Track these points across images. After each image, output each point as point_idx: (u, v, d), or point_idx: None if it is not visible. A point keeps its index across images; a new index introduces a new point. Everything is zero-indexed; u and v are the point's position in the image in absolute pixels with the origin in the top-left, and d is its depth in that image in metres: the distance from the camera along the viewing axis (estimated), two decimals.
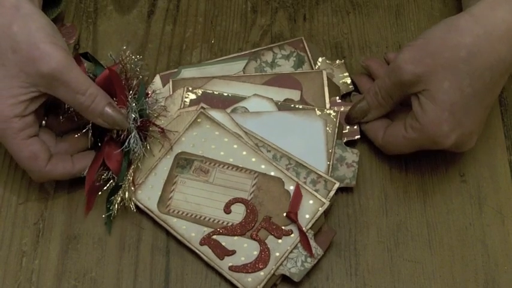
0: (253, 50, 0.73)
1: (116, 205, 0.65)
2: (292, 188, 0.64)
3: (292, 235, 0.63)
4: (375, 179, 0.68)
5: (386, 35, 0.74)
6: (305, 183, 0.65)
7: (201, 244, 0.63)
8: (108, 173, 0.65)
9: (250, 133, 0.67)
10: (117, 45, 0.74)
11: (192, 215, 0.65)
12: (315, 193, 0.64)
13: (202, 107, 0.68)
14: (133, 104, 0.64)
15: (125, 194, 0.65)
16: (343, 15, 0.77)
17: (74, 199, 0.67)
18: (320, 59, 0.73)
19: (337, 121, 0.68)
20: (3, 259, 0.64)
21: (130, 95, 0.64)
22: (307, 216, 0.64)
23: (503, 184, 0.68)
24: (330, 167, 0.66)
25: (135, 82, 0.66)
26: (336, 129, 0.68)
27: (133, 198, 0.65)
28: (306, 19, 0.76)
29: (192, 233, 0.64)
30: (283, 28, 0.76)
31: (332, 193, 0.64)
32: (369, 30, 0.76)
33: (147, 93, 0.68)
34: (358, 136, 0.69)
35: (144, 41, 0.75)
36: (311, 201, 0.64)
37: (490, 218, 0.66)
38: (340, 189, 0.67)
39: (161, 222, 0.65)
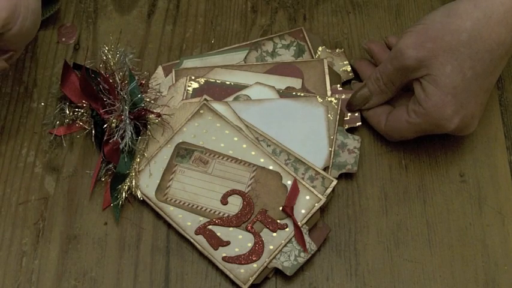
0: (253, 41, 0.74)
1: (124, 193, 0.65)
2: (289, 182, 0.65)
3: (287, 229, 0.64)
4: (375, 179, 0.68)
5: (387, 35, 0.74)
6: (303, 179, 0.65)
7: (196, 233, 0.64)
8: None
9: (251, 127, 0.67)
10: (117, 45, 0.74)
11: (189, 204, 0.65)
12: (312, 189, 0.64)
13: (205, 99, 0.69)
14: (125, 96, 0.65)
15: (132, 182, 0.65)
16: (343, 15, 0.77)
17: (74, 199, 0.67)
18: (320, 48, 0.73)
19: (339, 108, 0.68)
20: (3, 259, 0.64)
21: (122, 88, 0.65)
22: (303, 211, 0.64)
23: (503, 184, 0.68)
24: (332, 153, 0.67)
25: (121, 74, 0.66)
26: (338, 116, 0.68)
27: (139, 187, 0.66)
28: (306, 19, 0.77)
29: (188, 222, 0.64)
30: (283, 28, 0.76)
31: (329, 190, 0.65)
32: (369, 30, 0.76)
33: (141, 83, 0.68)
34: (359, 123, 0.69)
35: (144, 41, 0.75)
36: (308, 197, 0.64)
37: (490, 218, 0.66)
38: (343, 175, 0.67)
39: (158, 210, 0.65)
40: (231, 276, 0.63)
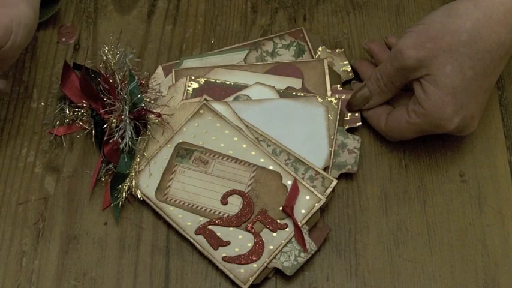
0: (253, 41, 0.74)
1: (124, 193, 0.65)
2: (289, 182, 0.65)
3: (287, 229, 0.64)
4: (375, 179, 0.68)
5: (386, 35, 0.74)
6: (303, 179, 0.65)
7: (196, 233, 0.64)
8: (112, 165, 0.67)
9: (252, 127, 0.67)
10: (117, 45, 0.74)
11: (189, 204, 0.65)
12: (312, 189, 0.64)
13: (205, 99, 0.69)
14: (125, 96, 0.65)
15: (132, 182, 0.65)
16: (343, 15, 0.77)
17: (74, 199, 0.67)
18: (320, 48, 0.73)
19: (339, 108, 0.68)
20: (3, 259, 0.64)
21: (122, 88, 0.65)
22: (303, 211, 0.64)
23: (503, 184, 0.68)
24: (332, 153, 0.67)
25: (121, 74, 0.66)
26: (338, 116, 0.68)
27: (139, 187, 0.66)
28: (306, 19, 0.77)
29: (188, 222, 0.64)
30: (283, 28, 0.76)
31: (329, 190, 0.65)
32: (369, 30, 0.76)
33: (141, 83, 0.69)
34: (360, 123, 0.69)
35: (144, 41, 0.75)
36: (308, 197, 0.64)
37: (490, 218, 0.66)
38: (343, 175, 0.67)
39: (158, 210, 0.65)
40: (231, 276, 0.63)
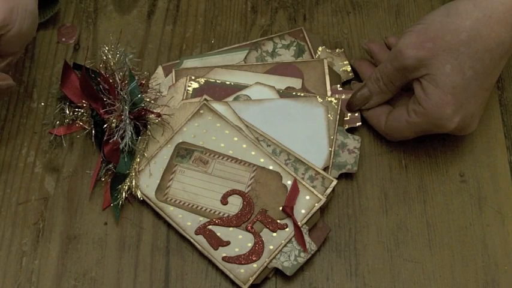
0: (253, 41, 0.74)
1: (124, 193, 0.65)
2: (289, 182, 0.65)
3: (287, 229, 0.64)
4: (375, 179, 0.68)
5: (386, 35, 0.74)
6: (303, 179, 0.65)
7: (196, 233, 0.64)
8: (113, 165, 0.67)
9: (252, 127, 0.67)
10: (117, 45, 0.74)
11: (189, 204, 0.65)
12: (312, 189, 0.64)
13: (205, 99, 0.69)
14: (125, 96, 0.65)
15: (132, 182, 0.65)
16: (343, 15, 0.77)
17: (74, 199, 0.67)
18: (320, 48, 0.73)
19: (339, 108, 0.68)
20: (3, 259, 0.64)
21: (122, 88, 0.65)
22: (303, 211, 0.64)
23: (503, 184, 0.68)
24: (332, 153, 0.67)
25: (121, 74, 0.66)
26: (338, 116, 0.68)
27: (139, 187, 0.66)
28: (306, 19, 0.77)
29: (188, 222, 0.64)
30: (283, 28, 0.76)
31: (329, 190, 0.65)
32: (369, 30, 0.76)
33: (141, 83, 0.69)
34: (359, 123, 0.69)
35: (144, 41, 0.75)
36: (308, 197, 0.64)
37: (490, 218, 0.66)
38: (343, 175, 0.67)
39: (158, 210, 0.65)
40: (231, 276, 0.63)
